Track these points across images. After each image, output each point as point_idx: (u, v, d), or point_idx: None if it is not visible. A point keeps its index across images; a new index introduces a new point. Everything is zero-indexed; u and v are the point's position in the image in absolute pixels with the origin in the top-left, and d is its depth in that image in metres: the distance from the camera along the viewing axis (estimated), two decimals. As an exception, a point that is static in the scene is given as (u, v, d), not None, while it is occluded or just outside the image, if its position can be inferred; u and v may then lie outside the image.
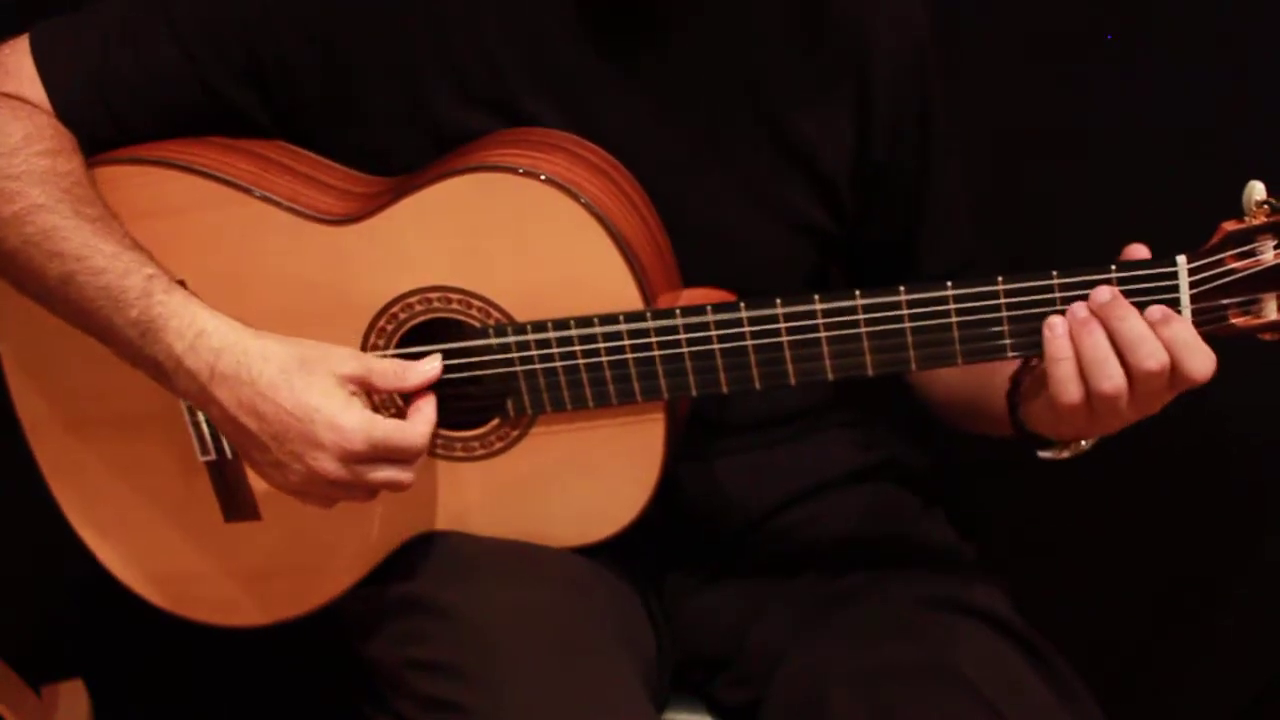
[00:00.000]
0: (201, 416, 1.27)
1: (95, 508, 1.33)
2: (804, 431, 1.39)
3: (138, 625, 1.79)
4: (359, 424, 1.14)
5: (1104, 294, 1.10)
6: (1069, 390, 1.11)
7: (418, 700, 1.20)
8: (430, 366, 1.19)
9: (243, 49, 1.22)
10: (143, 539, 1.33)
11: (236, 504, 1.30)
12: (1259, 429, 1.74)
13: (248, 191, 1.22)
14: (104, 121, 1.24)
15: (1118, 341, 1.09)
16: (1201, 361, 1.10)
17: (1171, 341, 1.09)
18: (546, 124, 1.23)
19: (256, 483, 1.29)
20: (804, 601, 1.31)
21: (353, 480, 1.16)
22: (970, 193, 1.38)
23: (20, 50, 1.25)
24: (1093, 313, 1.10)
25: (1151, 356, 1.09)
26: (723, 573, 1.36)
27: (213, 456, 1.29)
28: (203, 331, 1.15)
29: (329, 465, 1.14)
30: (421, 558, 1.27)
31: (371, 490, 1.18)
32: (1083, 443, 1.21)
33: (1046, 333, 1.11)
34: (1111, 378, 1.09)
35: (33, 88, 1.24)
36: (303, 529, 1.30)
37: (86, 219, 1.18)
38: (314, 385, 1.14)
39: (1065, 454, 1.23)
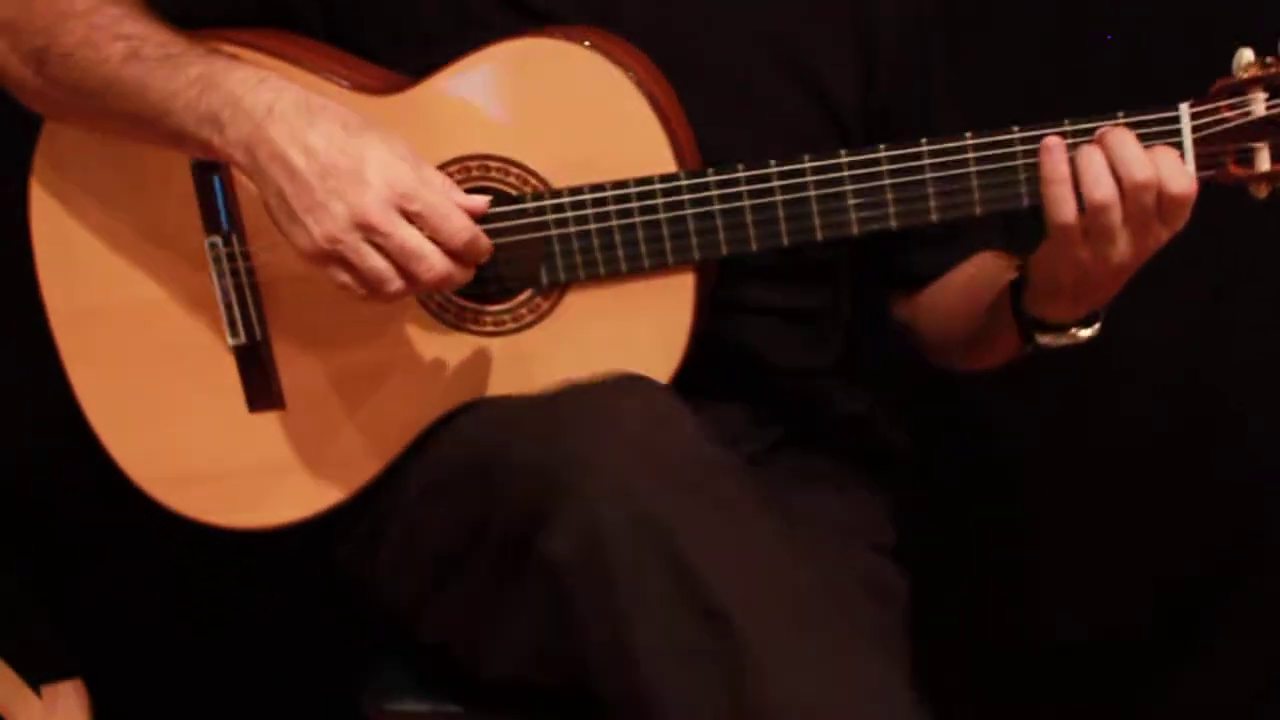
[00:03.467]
0: (234, 295, 1.26)
1: (114, 399, 1.31)
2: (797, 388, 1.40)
3: (138, 625, 1.78)
4: (410, 168, 1.13)
5: (1107, 128, 1.15)
6: (1063, 210, 1.14)
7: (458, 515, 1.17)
8: (478, 199, 1.18)
9: None
10: (162, 433, 1.31)
11: (262, 391, 1.28)
12: (1259, 428, 1.75)
13: (288, 61, 1.23)
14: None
15: (1112, 156, 1.14)
16: (1183, 180, 1.14)
17: (1158, 160, 1.14)
18: None
19: (284, 368, 1.27)
20: None
21: (389, 231, 1.11)
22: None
23: None
24: (1094, 141, 1.15)
25: (1142, 169, 1.13)
26: None
27: (243, 340, 1.27)
28: (266, 79, 1.15)
29: (372, 203, 1.10)
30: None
31: (401, 259, 1.12)
32: (1081, 332, 1.24)
33: (1043, 154, 1.15)
34: (1103, 187, 1.13)
35: None
36: (327, 415, 1.27)
37: (157, 18, 1.20)
38: (369, 136, 1.13)
39: (1063, 340, 1.25)
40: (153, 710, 1.81)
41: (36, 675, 1.69)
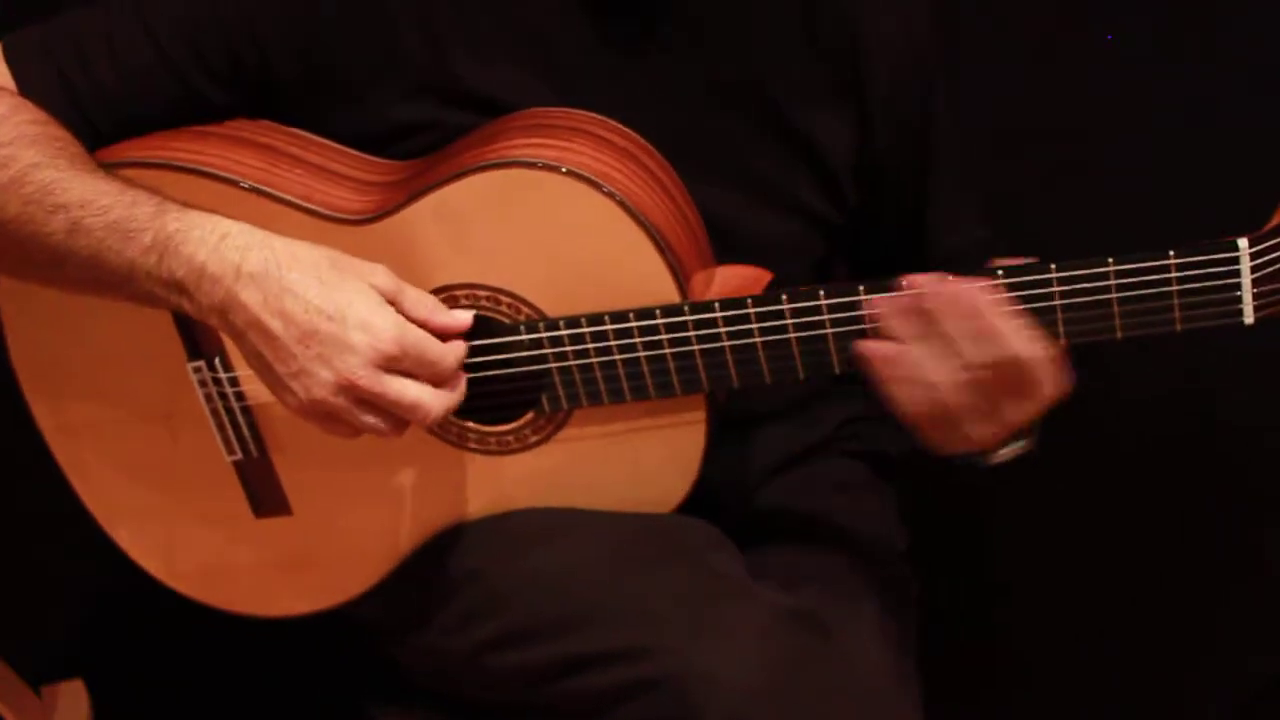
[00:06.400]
0: (225, 417, 1.19)
1: (123, 506, 1.25)
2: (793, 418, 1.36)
3: (138, 625, 1.75)
4: (392, 324, 1.05)
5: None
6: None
7: (534, 671, 1.13)
8: (463, 315, 1.10)
9: (220, 43, 1.15)
10: (173, 535, 1.26)
11: (267, 499, 1.22)
12: (1260, 428, 1.69)
13: (259, 193, 1.12)
14: (81, 125, 1.15)
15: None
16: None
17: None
18: None
19: (286, 478, 1.21)
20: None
21: (379, 392, 1.05)
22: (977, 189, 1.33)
23: None
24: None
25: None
26: None
27: (239, 456, 1.20)
28: (227, 234, 1.04)
29: (357, 369, 1.04)
30: (452, 543, 1.20)
31: (395, 411, 1.08)
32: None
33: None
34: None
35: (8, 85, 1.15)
36: (334, 521, 1.22)
37: (84, 170, 1.08)
38: (345, 284, 1.05)
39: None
40: (153, 710, 1.80)
41: (36, 675, 1.67)
